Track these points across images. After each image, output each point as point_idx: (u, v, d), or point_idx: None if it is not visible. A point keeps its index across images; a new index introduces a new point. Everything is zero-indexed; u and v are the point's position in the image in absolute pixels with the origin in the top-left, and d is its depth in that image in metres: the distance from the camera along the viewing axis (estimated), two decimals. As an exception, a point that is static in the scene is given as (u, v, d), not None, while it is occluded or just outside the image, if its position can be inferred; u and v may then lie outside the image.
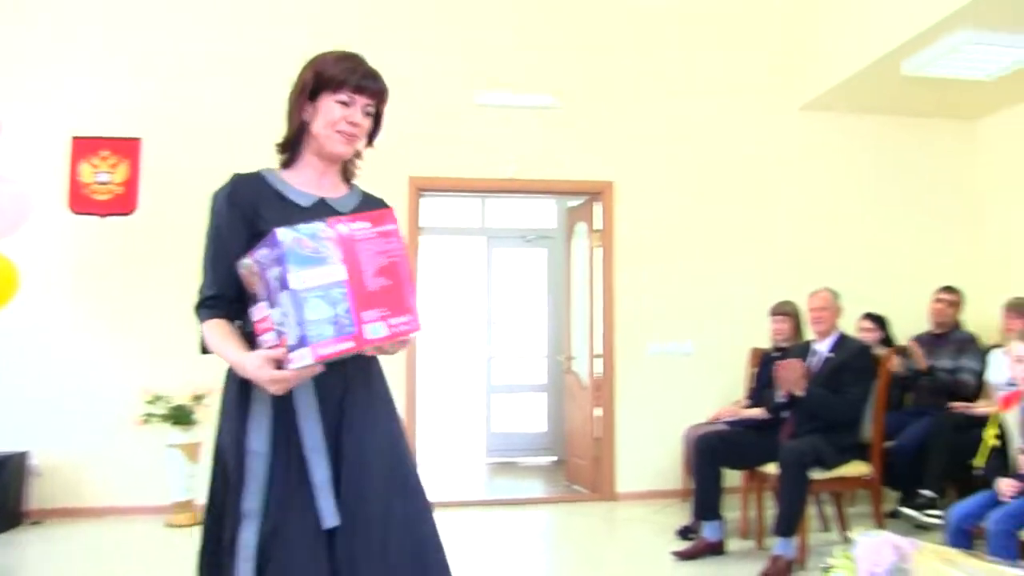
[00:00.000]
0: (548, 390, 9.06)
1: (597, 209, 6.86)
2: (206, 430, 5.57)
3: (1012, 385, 3.92)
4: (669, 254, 6.76)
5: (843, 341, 5.01)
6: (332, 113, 2.09)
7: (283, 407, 1.98)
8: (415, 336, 1.94)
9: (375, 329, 1.81)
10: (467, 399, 10.51)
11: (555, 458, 8.71)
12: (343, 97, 2.09)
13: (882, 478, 5.02)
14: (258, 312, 1.90)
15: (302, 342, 1.75)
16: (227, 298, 2.04)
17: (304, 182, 2.15)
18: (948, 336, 5.84)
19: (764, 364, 5.70)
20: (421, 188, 6.45)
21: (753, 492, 5.33)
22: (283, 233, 1.76)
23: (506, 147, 6.57)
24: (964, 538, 3.49)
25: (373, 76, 2.14)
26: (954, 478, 5.09)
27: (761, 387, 5.57)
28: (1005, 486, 3.40)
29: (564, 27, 6.74)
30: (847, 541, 1.97)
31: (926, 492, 4.93)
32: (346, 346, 1.78)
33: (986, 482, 3.57)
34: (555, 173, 6.66)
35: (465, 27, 6.57)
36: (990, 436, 3.70)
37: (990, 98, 6.71)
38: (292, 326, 1.77)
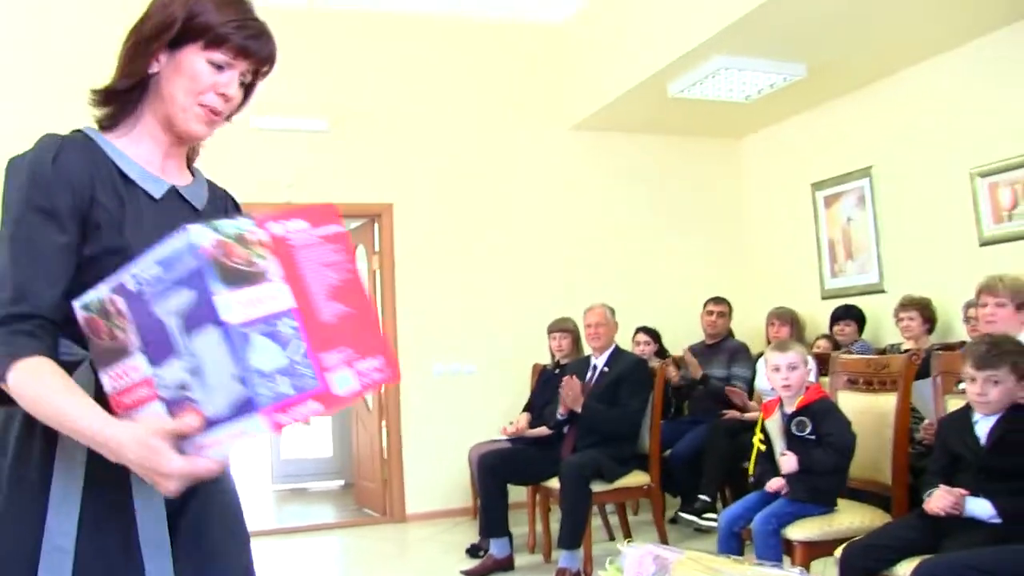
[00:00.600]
0: (334, 414, 8.83)
1: (376, 231, 6.76)
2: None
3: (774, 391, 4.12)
4: (450, 275, 6.74)
5: (618, 355, 5.16)
6: (199, 75, 1.44)
7: (105, 478, 1.30)
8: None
9: (343, 379, 1.20)
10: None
11: (343, 482, 8.51)
12: (218, 56, 1.44)
13: (662, 486, 5.19)
14: (123, 375, 1.23)
15: (246, 407, 1.10)
16: (50, 321, 1.29)
17: (143, 158, 1.47)
18: (720, 345, 6.12)
19: (544, 380, 5.78)
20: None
21: (539, 507, 5.37)
22: (199, 233, 1.11)
23: (282, 171, 6.36)
24: (735, 540, 3.61)
25: (264, 35, 1.50)
26: (730, 482, 5.33)
27: (543, 404, 5.63)
28: (771, 484, 3.55)
29: (336, 52, 6.60)
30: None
31: (703, 497, 5.12)
32: (312, 409, 1.16)
33: (758, 485, 3.73)
34: (333, 196, 6.49)
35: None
36: (757, 442, 3.86)
37: (751, 118, 7.11)
38: (219, 385, 1.12)
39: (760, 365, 5.73)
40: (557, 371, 5.67)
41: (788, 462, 3.50)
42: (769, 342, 5.54)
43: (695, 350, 6.10)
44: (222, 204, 1.64)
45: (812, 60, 5.79)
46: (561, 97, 7.11)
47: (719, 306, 6.24)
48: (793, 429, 3.59)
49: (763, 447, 3.78)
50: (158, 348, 1.17)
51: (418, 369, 6.58)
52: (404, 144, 6.73)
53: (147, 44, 1.43)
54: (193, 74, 1.43)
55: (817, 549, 3.35)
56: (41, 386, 1.22)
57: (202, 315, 1.10)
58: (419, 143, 6.77)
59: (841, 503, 3.54)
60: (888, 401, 3.55)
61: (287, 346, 1.13)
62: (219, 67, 1.45)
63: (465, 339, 6.74)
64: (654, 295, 7.03)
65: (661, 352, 6.39)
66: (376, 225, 6.75)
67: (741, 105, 6.50)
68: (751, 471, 3.82)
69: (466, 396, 6.66)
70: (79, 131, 1.45)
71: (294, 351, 1.14)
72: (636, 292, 6.89)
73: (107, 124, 1.48)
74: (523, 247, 6.96)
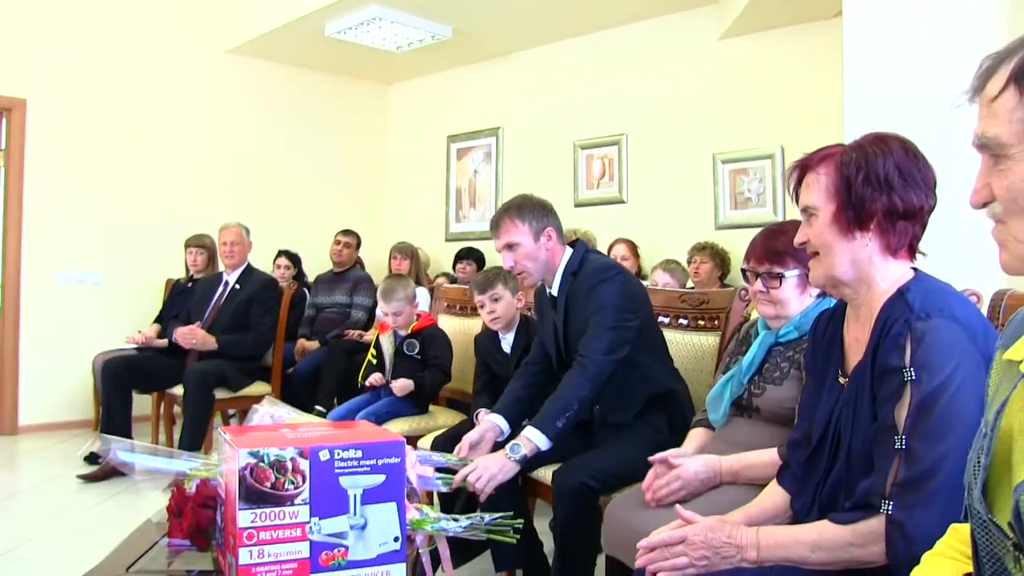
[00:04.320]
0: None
1: (4, 126, 6.43)
2: None
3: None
4: (84, 183, 6.60)
5: (250, 273, 5.44)
6: None
7: None
8: None
9: None
10: None
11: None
12: None
13: (283, 396, 5.56)
14: (271, 515, 1.56)
15: (392, 557, 1.63)
16: None
17: None
18: (345, 274, 6.55)
19: (177, 293, 5.94)
20: None
21: (163, 417, 5.53)
22: (398, 447, 1.65)
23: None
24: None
25: None
26: (343, 395, 5.80)
27: (173, 316, 5.78)
28: (372, 380, 4.05)
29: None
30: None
31: (319, 408, 5.55)
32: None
33: (364, 390, 4.21)
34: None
35: None
36: (370, 355, 4.35)
37: (401, 68, 7.61)
38: (375, 540, 1.63)
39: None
40: (191, 284, 5.84)
41: (403, 384, 3.94)
42: (391, 273, 6.08)
43: (322, 278, 6.50)
44: None
45: (458, 23, 6.37)
46: (220, 20, 7.16)
47: (347, 237, 6.65)
48: (405, 349, 4.10)
49: (375, 360, 4.27)
50: (327, 505, 1.57)
51: (42, 276, 6.42)
52: (45, 36, 6.43)
53: None
54: None
55: (410, 442, 3.87)
56: None
57: (387, 494, 1.61)
58: (63, 37, 6.48)
59: (432, 407, 4.13)
60: (475, 324, 4.16)
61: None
62: None
63: (96, 248, 6.64)
64: (295, 222, 7.36)
65: (299, 276, 6.73)
66: (4, 119, 6.42)
67: (392, 55, 6.97)
68: (361, 378, 4.29)
69: (93, 306, 6.59)
70: None
71: None
72: (279, 218, 7.20)
73: None
74: (166, 162, 6.96)
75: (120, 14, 6.75)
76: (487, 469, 2.58)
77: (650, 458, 2.29)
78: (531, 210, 2.92)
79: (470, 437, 2.83)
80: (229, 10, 7.14)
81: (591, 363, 2.69)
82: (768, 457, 2.09)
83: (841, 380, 1.66)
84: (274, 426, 2.05)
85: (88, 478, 4.92)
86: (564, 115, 6.60)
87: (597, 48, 6.45)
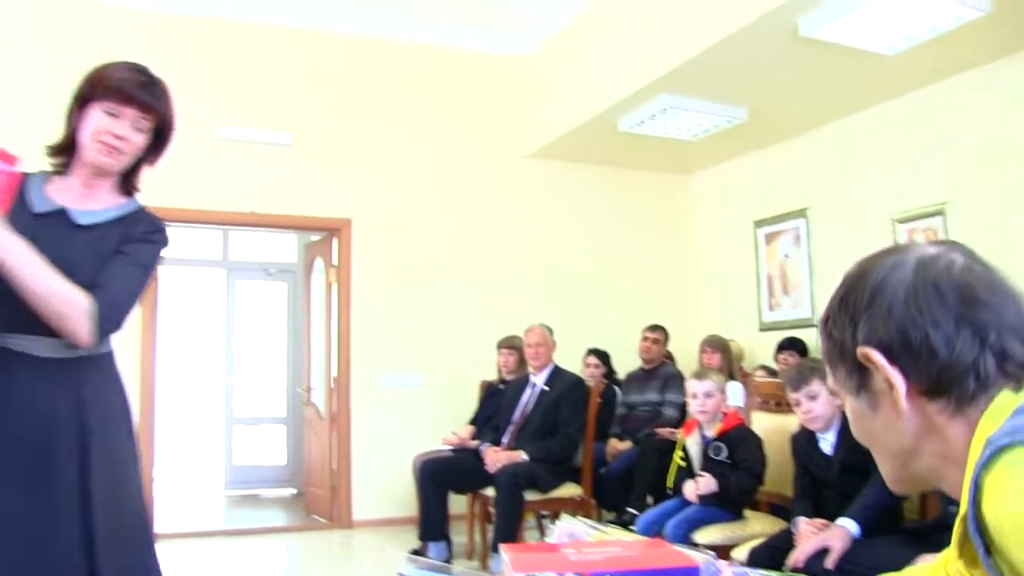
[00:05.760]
0: (288, 422, 9.06)
1: (335, 245, 7.02)
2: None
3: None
4: (404, 290, 7.00)
5: (557, 374, 5.44)
6: (96, 122, 2.01)
7: None
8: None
9: None
10: (207, 431, 10.29)
11: (295, 490, 8.70)
12: (110, 107, 2.01)
13: (598, 498, 5.48)
14: None
15: None
16: None
17: (61, 189, 2.05)
18: (655, 372, 6.41)
19: (490, 395, 6.06)
20: (162, 219, 6.33)
21: (478, 516, 5.62)
22: None
23: (247, 181, 6.60)
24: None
25: (146, 88, 2.07)
26: (656, 496, 5.61)
27: (487, 417, 5.90)
28: (687, 491, 3.84)
29: (305, 70, 6.87)
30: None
31: (631, 510, 5.40)
32: None
33: (675, 494, 4.02)
34: (294, 208, 6.77)
35: (208, 62, 6.56)
36: (677, 457, 4.16)
37: (699, 156, 7.49)
38: None
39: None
40: (502, 386, 5.95)
41: (706, 484, 3.76)
42: (703, 368, 5.85)
43: (632, 376, 6.40)
44: (125, 228, 2.09)
45: (753, 104, 6.17)
46: (519, 126, 7.44)
47: (654, 333, 6.54)
48: (711, 453, 3.89)
49: (683, 463, 4.07)
50: None
51: (368, 379, 6.83)
52: (365, 162, 7.00)
53: (71, 107, 2.04)
54: (93, 121, 2.00)
55: (722, 553, 3.62)
56: None
57: None
58: (380, 162, 7.03)
59: (748, 512, 3.84)
60: (793, 422, 3.86)
61: None
62: (112, 114, 2.01)
63: (415, 352, 6.99)
64: (603, 319, 7.33)
65: (609, 374, 6.68)
66: (335, 239, 7.01)
67: (689, 143, 6.87)
68: (669, 483, 4.10)
69: (415, 408, 6.89)
70: (27, 172, 2.03)
71: None
72: (585, 316, 7.21)
73: (58, 170, 2.08)
74: (475, 267, 7.24)
75: (428, 133, 7.20)
76: None
77: None
78: None
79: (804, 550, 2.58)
80: (526, 117, 7.40)
81: None
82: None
83: None
84: (558, 545, 1.93)
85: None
86: (876, 188, 6.12)
87: (907, 112, 5.95)
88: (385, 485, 6.75)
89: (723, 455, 3.83)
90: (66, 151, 2.07)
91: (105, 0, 6.29)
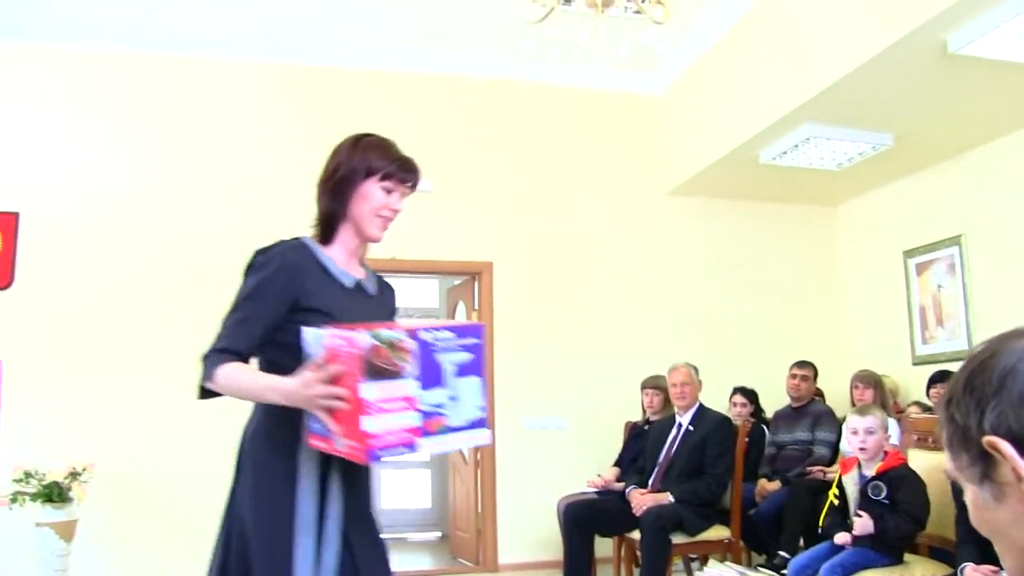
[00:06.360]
0: (432, 466, 9.16)
1: (476, 288, 7.10)
2: (83, 508, 5.55)
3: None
4: (546, 332, 7.02)
5: (703, 413, 5.32)
6: (377, 198, 2.17)
7: (321, 481, 2.10)
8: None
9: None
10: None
11: (440, 534, 8.77)
12: (389, 184, 2.18)
13: (747, 541, 5.31)
14: (389, 389, 1.85)
15: (479, 424, 1.96)
16: (240, 354, 2.07)
17: (340, 261, 2.21)
18: (805, 409, 6.20)
19: (635, 435, 5.96)
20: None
21: (624, 560, 5.52)
22: (479, 328, 1.99)
23: (393, 228, 6.71)
24: (803, 588, 3.75)
25: (415, 168, 2.25)
26: (807, 538, 5.39)
27: (632, 458, 5.81)
28: (838, 538, 3.68)
29: (444, 116, 7.02)
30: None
31: (783, 553, 5.20)
32: (485, 438, 2.03)
33: (827, 536, 3.85)
34: (435, 253, 6.89)
35: (351, 115, 6.77)
36: (831, 495, 3.99)
37: (844, 186, 7.25)
38: (466, 408, 1.94)
39: (844, 428, 5.82)
40: (646, 427, 5.86)
41: (863, 524, 3.60)
42: (854, 405, 5.62)
43: (780, 414, 6.21)
44: (389, 292, 2.40)
45: (899, 129, 5.96)
46: (657, 164, 7.39)
47: (803, 370, 6.33)
48: (869, 493, 3.71)
49: (836, 501, 3.91)
50: (429, 379, 1.88)
51: (512, 421, 6.83)
52: (505, 205, 7.09)
53: (338, 183, 2.18)
54: (372, 197, 2.18)
55: (882, 600, 3.45)
56: (238, 371, 2.02)
57: (472, 369, 1.93)
58: (519, 205, 7.11)
59: (908, 557, 3.64)
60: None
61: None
62: (388, 190, 2.19)
63: (559, 394, 6.97)
64: (749, 356, 7.15)
65: (757, 413, 6.50)
66: (476, 283, 7.10)
67: (833, 173, 6.67)
68: (821, 523, 3.93)
69: (559, 450, 6.86)
70: (300, 239, 2.20)
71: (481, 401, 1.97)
72: (731, 353, 7.05)
73: (320, 239, 2.22)
74: (618, 306, 7.20)
75: (567, 174, 7.24)
76: None
77: None
78: None
79: None
80: (666, 154, 7.35)
81: None
82: None
83: None
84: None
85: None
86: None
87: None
88: (530, 528, 6.72)
89: (882, 495, 3.65)
90: (329, 224, 2.22)
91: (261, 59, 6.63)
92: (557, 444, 6.90)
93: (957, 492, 3.30)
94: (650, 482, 5.27)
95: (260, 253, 2.15)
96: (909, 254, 6.94)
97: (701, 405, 5.38)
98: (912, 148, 6.24)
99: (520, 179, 7.14)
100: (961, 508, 3.30)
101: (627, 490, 5.26)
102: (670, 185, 7.35)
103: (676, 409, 5.44)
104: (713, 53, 6.66)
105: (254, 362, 2.16)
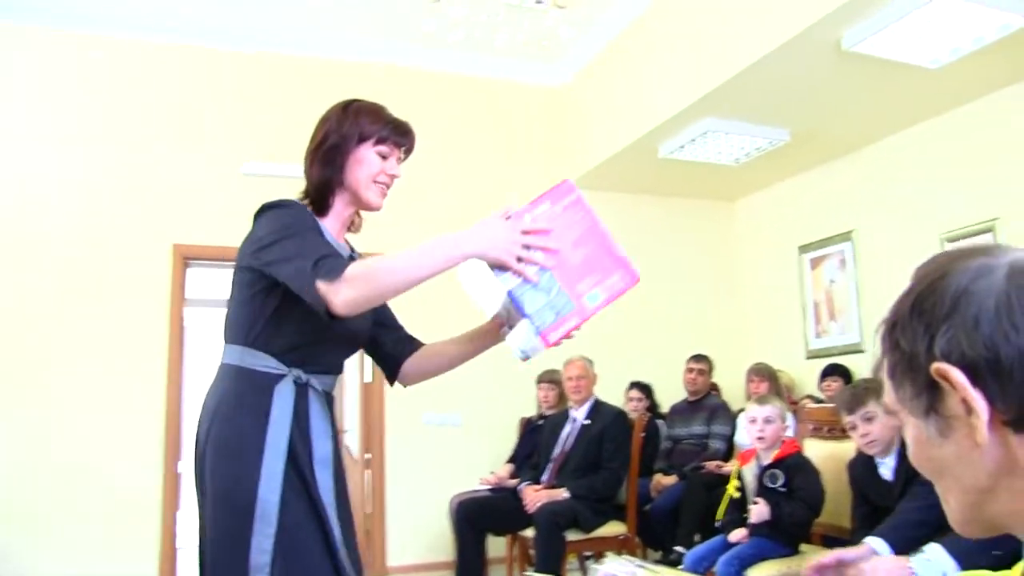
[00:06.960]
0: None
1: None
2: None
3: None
4: (440, 326, 6.78)
5: (599, 407, 5.22)
6: (372, 164, 2.08)
7: (297, 448, 1.95)
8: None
9: (592, 297, 1.90)
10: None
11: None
12: (383, 149, 2.09)
13: (643, 536, 5.22)
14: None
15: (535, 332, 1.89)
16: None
17: (333, 232, 2.11)
18: (701, 403, 6.17)
19: (529, 431, 5.83)
20: (187, 257, 6.25)
21: (517, 559, 5.39)
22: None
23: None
24: (698, 580, 3.67)
25: (409, 132, 2.18)
26: (704, 533, 5.35)
27: (526, 455, 5.68)
28: (734, 536, 3.61)
29: (330, 102, 6.77)
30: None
31: (678, 548, 5.14)
32: (573, 323, 1.89)
33: (724, 530, 3.79)
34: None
35: (231, 98, 6.50)
36: (731, 488, 3.93)
37: (742, 181, 7.29)
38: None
39: (740, 421, 5.80)
40: (541, 422, 5.73)
41: (759, 511, 3.55)
42: (749, 399, 5.61)
43: (677, 408, 6.17)
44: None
45: (795, 126, 5.99)
46: (557, 156, 7.25)
47: (699, 363, 6.30)
48: (766, 481, 3.65)
49: (737, 494, 3.85)
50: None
51: (405, 419, 6.62)
52: (401, 198, 6.81)
53: (331, 151, 2.07)
54: (369, 164, 2.07)
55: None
56: (377, 259, 1.84)
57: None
58: (415, 197, 6.86)
59: (804, 547, 3.59)
60: (848, 448, 3.62)
61: (549, 291, 1.86)
62: (384, 155, 2.10)
63: (452, 389, 6.76)
64: (645, 351, 7.10)
65: (653, 407, 6.44)
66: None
67: (730, 168, 6.67)
68: (720, 516, 3.87)
69: (452, 447, 6.67)
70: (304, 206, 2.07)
71: (554, 292, 1.87)
72: (627, 347, 6.97)
73: (315, 211, 2.09)
74: (513, 302, 7.03)
75: (466, 164, 7.06)
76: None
77: None
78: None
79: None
80: (564, 147, 7.26)
81: None
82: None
83: None
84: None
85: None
86: (923, 207, 5.88)
87: (952, 127, 5.73)
88: (422, 529, 6.51)
89: (779, 483, 3.59)
90: (324, 194, 2.09)
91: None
92: (451, 441, 6.71)
93: (854, 478, 3.26)
94: (544, 478, 5.15)
95: (270, 205, 2.05)
96: (804, 249, 7.00)
97: (597, 399, 5.28)
98: (808, 144, 6.29)
99: (419, 170, 6.90)
100: (857, 496, 3.26)
101: (520, 486, 5.13)
102: (573, 178, 7.22)
103: (571, 403, 5.33)
104: (616, 45, 6.60)
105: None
